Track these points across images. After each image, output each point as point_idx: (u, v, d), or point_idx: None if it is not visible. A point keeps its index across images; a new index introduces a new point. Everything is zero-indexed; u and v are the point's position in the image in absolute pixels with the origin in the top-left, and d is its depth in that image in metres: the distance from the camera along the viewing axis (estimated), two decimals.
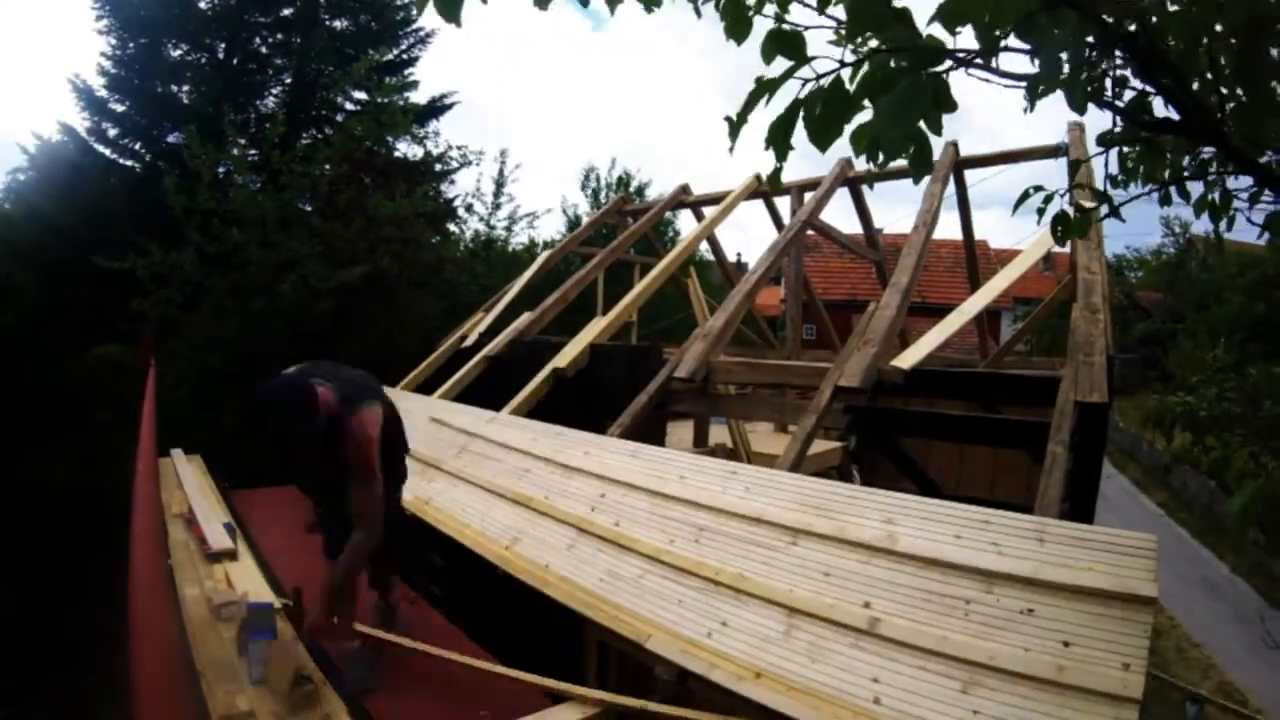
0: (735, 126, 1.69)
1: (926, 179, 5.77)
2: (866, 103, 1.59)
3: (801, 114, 1.61)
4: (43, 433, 8.91)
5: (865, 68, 1.57)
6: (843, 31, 1.62)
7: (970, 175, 6.90)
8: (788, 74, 1.59)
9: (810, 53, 1.60)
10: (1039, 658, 2.23)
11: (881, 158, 1.65)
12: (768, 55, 1.62)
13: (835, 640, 2.61)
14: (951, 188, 6.64)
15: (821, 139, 1.60)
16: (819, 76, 1.58)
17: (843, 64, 1.57)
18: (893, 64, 1.55)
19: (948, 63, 1.58)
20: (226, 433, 7.80)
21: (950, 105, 1.56)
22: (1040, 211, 2.16)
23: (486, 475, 4.66)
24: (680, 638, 2.92)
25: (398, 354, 8.06)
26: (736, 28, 1.69)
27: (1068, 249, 5.06)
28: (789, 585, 2.87)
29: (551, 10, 1.79)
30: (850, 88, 1.58)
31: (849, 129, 1.63)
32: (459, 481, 4.80)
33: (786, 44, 1.60)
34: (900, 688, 2.37)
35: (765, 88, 1.61)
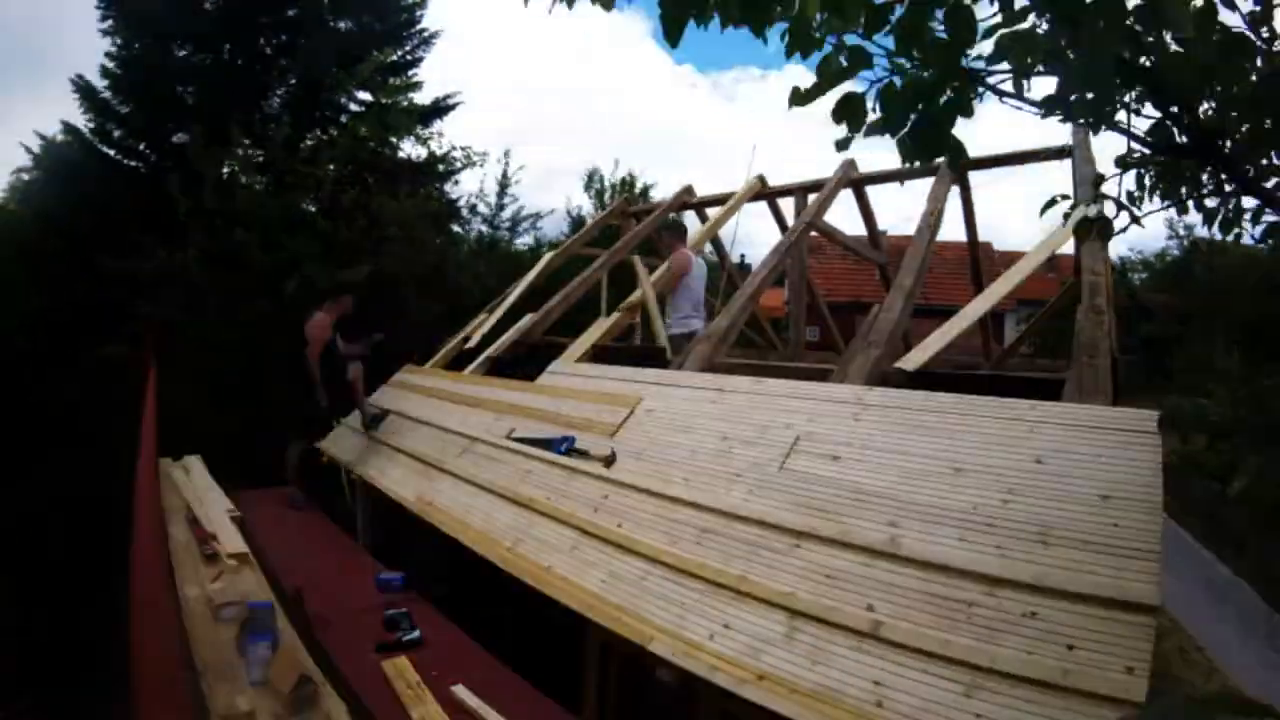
0: (802, 98, 1.91)
1: (930, 179, 5.75)
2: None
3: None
4: (44, 433, 8.92)
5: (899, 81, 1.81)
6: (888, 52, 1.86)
7: (975, 177, 6.87)
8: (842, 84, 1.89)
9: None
10: (1042, 661, 2.22)
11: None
12: (837, 118, 1.88)
13: (838, 643, 2.60)
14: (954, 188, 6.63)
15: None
16: (874, 83, 1.84)
17: (893, 72, 1.81)
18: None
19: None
20: (229, 433, 7.81)
21: (968, 111, 1.81)
22: (1066, 216, 2.30)
23: (489, 476, 4.66)
24: (682, 639, 2.91)
25: (400, 355, 8.06)
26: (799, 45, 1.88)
27: (1072, 251, 5.04)
28: (791, 588, 2.86)
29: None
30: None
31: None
32: (461, 482, 4.80)
33: (850, 111, 1.86)
34: (903, 691, 2.36)
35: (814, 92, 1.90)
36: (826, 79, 1.87)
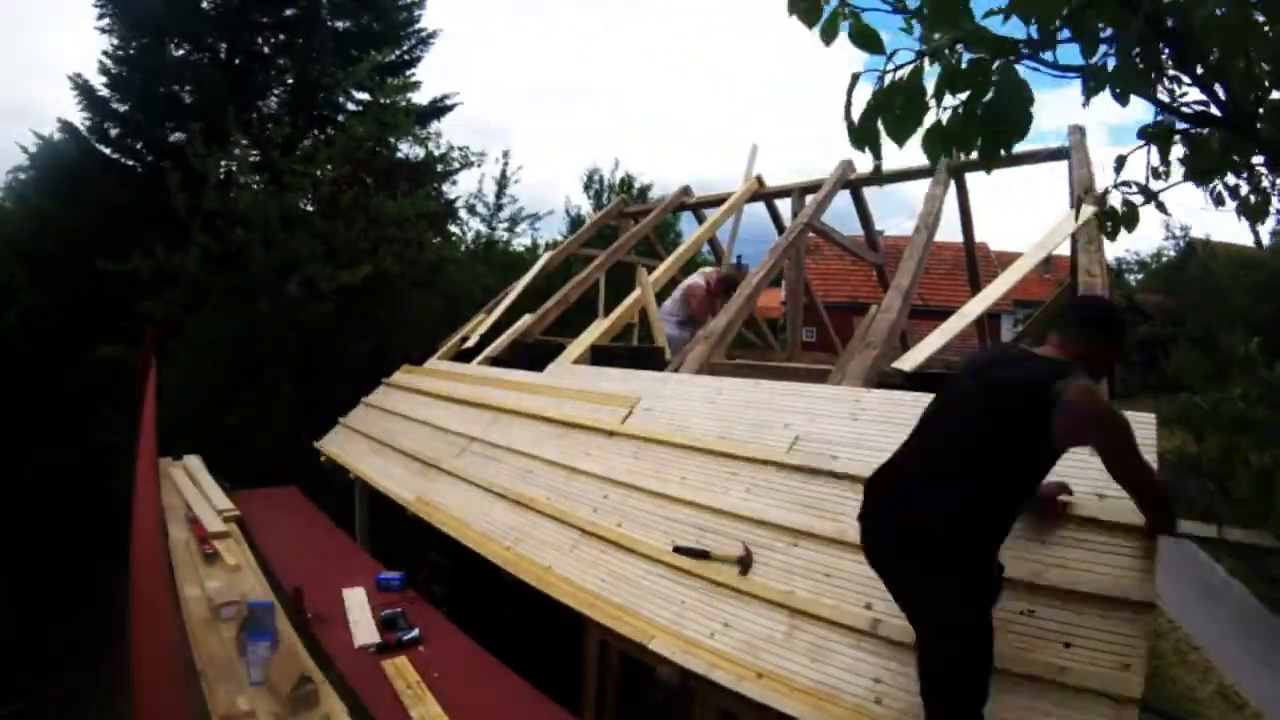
0: (852, 128, 1.71)
1: (927, 181, 5.76)
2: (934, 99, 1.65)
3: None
4: (44, 432, 8.92)
5: (937, 64, 1.64)
6: (914, 24, 1.71)
7: (971, 178, 6.88)
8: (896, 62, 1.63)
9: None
10: (1039, 658, 2.24)
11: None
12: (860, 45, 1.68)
13: (837, 641, 2.62)
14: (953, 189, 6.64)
15: (900, 134, 1.67)
16: (897, 68, 1.65)
17: (921, 54, 1.64)
18: (964, 57, 1.62)
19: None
20: (230, 433, 7.81)
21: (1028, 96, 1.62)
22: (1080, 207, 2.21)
23: (488, 476, 4.67)
24: (682, 638, 2.93)
25: (399, 355, 8.07)
26: (809, 14, 1.74)
27: (1068, 252, 5.06)
28: (790, 586, 2.88)
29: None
30: (929, 83, 1.64)
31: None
32: (461, 482, 4.81)
33: (868, 39, 1.67)
34: (902, 688, 2.37)
35: (855, 81, 1.68)
36: (850, 86, 1.66)
